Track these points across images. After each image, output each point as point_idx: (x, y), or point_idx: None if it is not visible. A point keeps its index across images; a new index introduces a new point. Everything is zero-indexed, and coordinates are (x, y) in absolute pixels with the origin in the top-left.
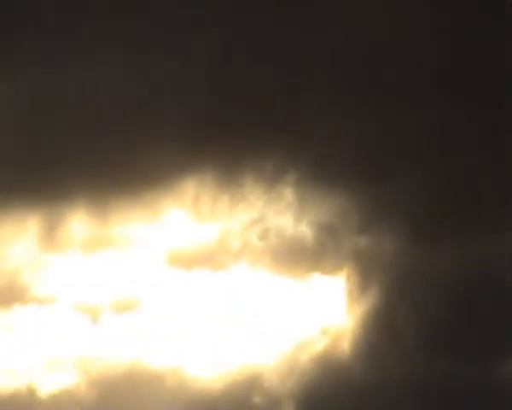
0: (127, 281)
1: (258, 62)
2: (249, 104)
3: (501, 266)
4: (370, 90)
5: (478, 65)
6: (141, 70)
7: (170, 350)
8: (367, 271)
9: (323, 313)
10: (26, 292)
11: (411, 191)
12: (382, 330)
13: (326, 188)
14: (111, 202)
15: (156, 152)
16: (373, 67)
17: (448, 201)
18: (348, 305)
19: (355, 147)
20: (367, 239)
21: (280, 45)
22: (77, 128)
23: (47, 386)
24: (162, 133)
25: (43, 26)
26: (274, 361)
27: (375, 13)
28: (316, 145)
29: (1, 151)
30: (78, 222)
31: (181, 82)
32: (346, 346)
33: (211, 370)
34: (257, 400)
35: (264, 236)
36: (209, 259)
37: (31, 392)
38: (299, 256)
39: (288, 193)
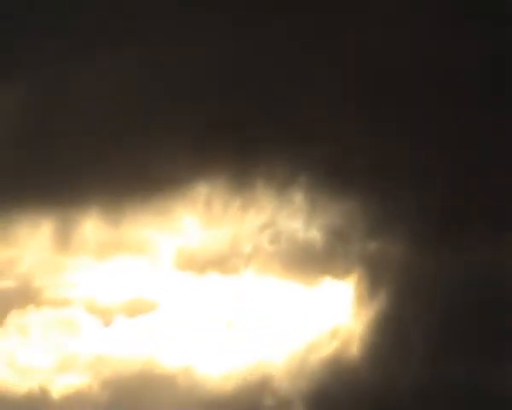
0: (139, 284)
1: (271, 71)
2: (261, 111)
3: (502, 273)
4: (382, 99)
5: (482, 76)
6: (154, 78)
7: (181, 351)
8: (376, 275)
9: (333, 316)
10: (41, 294)
11: (420, 197)
12: (390, 334)
13: (336, 193)
14: (124, 207)
15: (168, 158)
16: (386, 77)
17: (455, 208)
18: (357, 309)
19: (365, 153)
20: (376, 244)
21: (293, 55)
22: (91, 135)
23: (60, 387)
24: (174, 139)
25: (54, 29)
26: (284, 363)
27: (390, 23)
28: (326, 151)
29: (16, 158)
30: (92, 226)
31: (193, 90)
32: (354, 349)
33: (222, 370)
34: (267, 400)
35: (274, 240)
36: (220, 263)
37: (43, 393)
38: (310, 260)
39: (299, 198)
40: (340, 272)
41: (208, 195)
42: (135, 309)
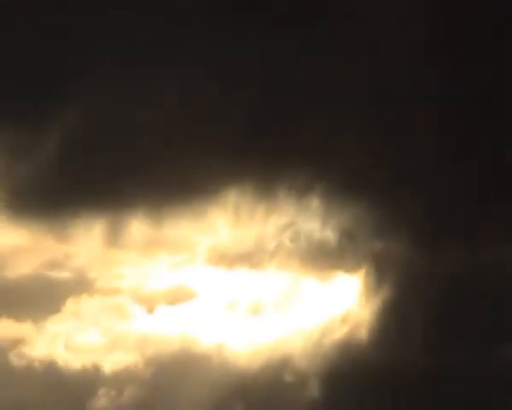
0: (178, 276)
1: (292, 91)
2: (283, 127)
3: (487, 270)
4: (388, 117)
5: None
6: (195, 97)
7: (214, 332)
8: (381, 270)
9: (343, 304)
10: (93, 284)
11: (419, 206)
12: (393, 320)
13: (347, 200)
14: (165, 210)
15: (203, 169)
16: (389, 89)
17: (451, 213)
18: (364, 298)
19: (372, 168)
20: (381, 244)
21: (309, 74)
22: (138, 148)
23: (110, 364)
24: (209, 154)
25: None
26: (301, 344)
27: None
28: (339, 165)
29: (73, 168)
30: (138, 226)
31: (223, 112)
32: (362, 332)
33: (249, 349)
34: (287, 376)
35: (294, 239)
36: (247, 258)
37: (96, 369)
38: (324, 256)
39: (315, 203)
40: (350, 267)
41: (237, 200)
42: (174, 297)
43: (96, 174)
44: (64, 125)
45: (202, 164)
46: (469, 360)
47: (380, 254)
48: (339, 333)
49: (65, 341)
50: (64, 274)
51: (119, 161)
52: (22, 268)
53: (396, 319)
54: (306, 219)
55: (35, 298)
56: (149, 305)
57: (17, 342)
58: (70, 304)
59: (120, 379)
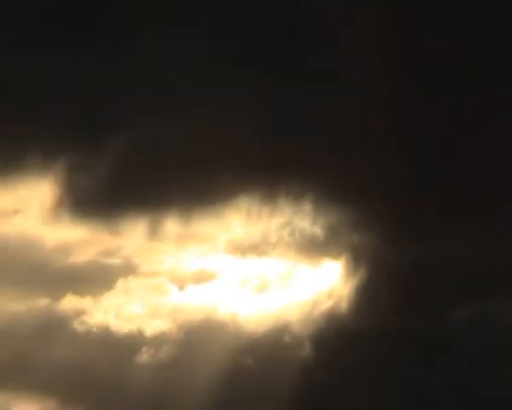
0: (203, 262)
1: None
2: (282, 151)
3: (448, 258)
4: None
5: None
6: (219, 130)
7: (231, 304)
8: (357, 257)
9: (329, 283)
10: (138, 268)
11: (387, 206)
12: (367, 295)
13: (331, 204)
14: (193, 211)
15: (222, 179)
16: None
17: (409, 214)
18: (345, 279)
19: (352, 178)
20: (358, 237)
21: (310, 116)
22: (173, 163)
23: (151, 329)
24: (227, 168)
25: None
26: (297, 314)
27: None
28: (325, 177)
29: (123, 179)
30: (172, 224)
31: (238, 139)
32: (343, 304)
33: (256, 317)
34: (286, 339)
35: (291, 234)
36: (256, 248)
37: (140, 332)
38: (314, 247)
39: (307, 207)
40: (333, 255)
41: (248, 204)
42: (200, 278)
43: (141, 183)
44: (115, 146)
45: (222, 177)
46: (427, 323)
47: (356, 245)
48: (325, 305)
49: (116, 311)
50: (115, 260)
51: (159, 173)
52: (84, 256)
53: (369, 294)
54: (300, 218)
55: (93, 279)
56: (181, 284)
57: (80, 313)
58: (120, 283)
59: (158, 341)
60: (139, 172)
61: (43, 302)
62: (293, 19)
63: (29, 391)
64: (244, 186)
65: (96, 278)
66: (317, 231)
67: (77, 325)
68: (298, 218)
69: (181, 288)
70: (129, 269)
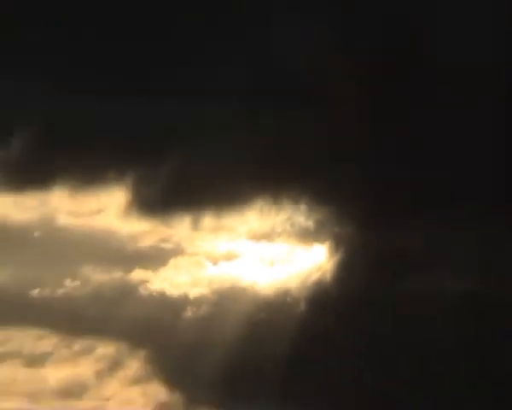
0: (230, 246)
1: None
2: (284, 164)
3: (419, 245)
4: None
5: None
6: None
7: (249, 277)
8: (339, 242)
9: (318, 261)
10: (184, 251)
11: (363, 200)
12: (346, 271)
13: (320, 204)
14: (223, 211)
15: (243, 188)
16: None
17: (385, 204)
18: (329, 258)
19: (334, 185)
20: (339, 227)
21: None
22: (212, 174)
23: (193, 294)
24: (246, 180)
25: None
26: (295, 283)
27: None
28: (315, 184)
29: (174, 187)
30: (208, 219)
31: (252, 161)
32: (328, 276)
33: (268, 286)
34: (285, 301)
35: (291, 226)
36: (266, 236)
37: (185, 296)
38: (307, 235)
39: (303, 207)
40: (321, 241)
41: (261, 205)
42: (228, 257)
43: (186, 190)
44: (169, 164)
45: (242, 186)
46: (387, 291)
47: (337, 234)
48: (315, 276)
49: (169, 281)
50: (168, 245)
51: (198, 183)
52: (147, 242)
53: (347, 269)
54: (298, 215)
55: (153, 258)
56: (214, 261)
57: (144, 282)
58: (172, 261)
59: (198, 302)
60: (185, 182)
61: (118, 274)
62: None
63: (109, 337)
64: (258, 192)
65: (155, 258)
66: (310, 224)
67: (142, 291)
68: (296, 215)
69: (214, 264)
70: (178, 251)
